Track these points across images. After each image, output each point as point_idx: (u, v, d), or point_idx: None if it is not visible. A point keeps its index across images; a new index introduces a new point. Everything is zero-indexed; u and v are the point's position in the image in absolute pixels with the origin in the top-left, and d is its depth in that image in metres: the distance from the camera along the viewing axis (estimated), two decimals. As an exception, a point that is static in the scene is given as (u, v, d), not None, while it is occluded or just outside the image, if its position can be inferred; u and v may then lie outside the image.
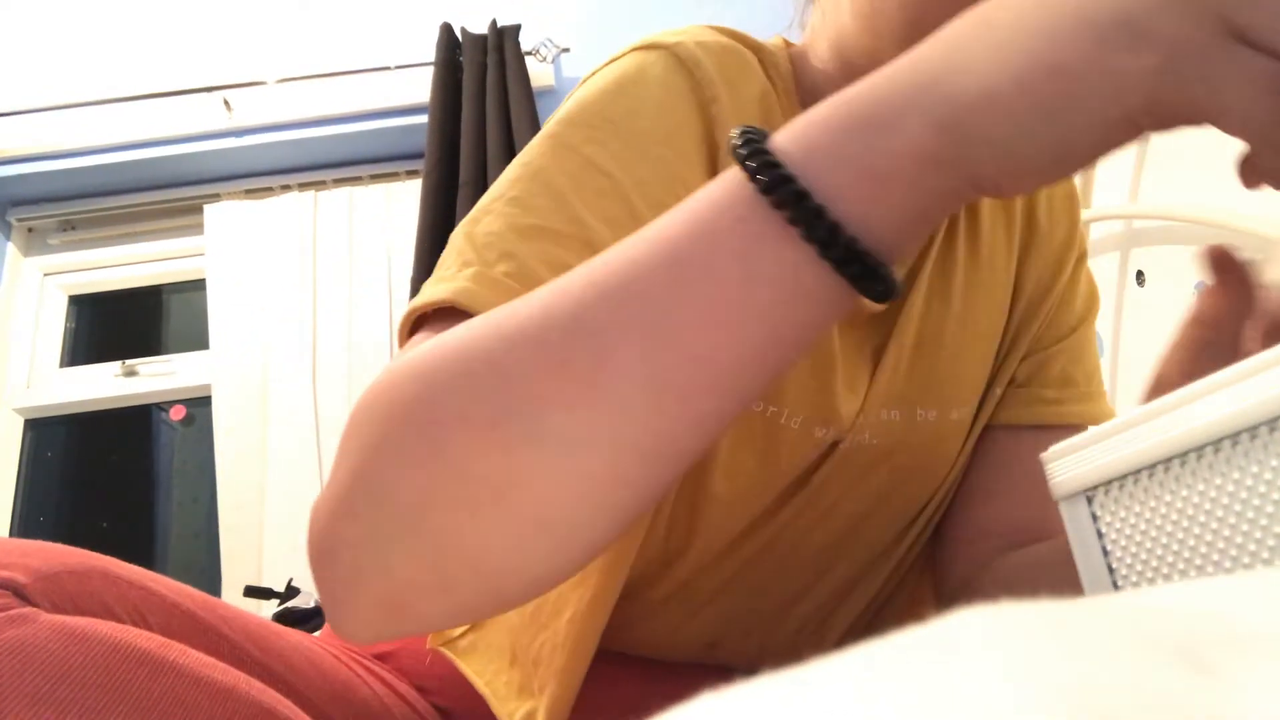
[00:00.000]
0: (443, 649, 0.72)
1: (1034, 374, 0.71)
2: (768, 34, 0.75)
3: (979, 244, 0.70)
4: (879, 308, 0.66)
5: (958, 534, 0.70)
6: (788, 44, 0.70)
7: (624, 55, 0.60)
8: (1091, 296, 0.76)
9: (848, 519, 0.67)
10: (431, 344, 0.40)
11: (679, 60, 0.59)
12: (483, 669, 0.69)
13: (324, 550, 0.41)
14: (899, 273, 0.39)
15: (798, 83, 0.67)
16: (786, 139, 0.37)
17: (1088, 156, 0.33)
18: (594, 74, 0.60)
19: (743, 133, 0.38)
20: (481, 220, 0.50)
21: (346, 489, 0.40)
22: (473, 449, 0.37)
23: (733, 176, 0.37)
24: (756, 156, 0.36)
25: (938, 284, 0.68)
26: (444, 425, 0.38)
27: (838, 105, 0.36)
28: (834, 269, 0.35)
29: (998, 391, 0.70)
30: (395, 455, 0.39)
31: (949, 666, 0.16)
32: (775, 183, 0.35)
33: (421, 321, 0.48)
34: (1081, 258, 0.75)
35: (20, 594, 0.45)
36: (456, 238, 0.51)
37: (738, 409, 0.39)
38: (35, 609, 0.45)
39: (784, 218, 0.34)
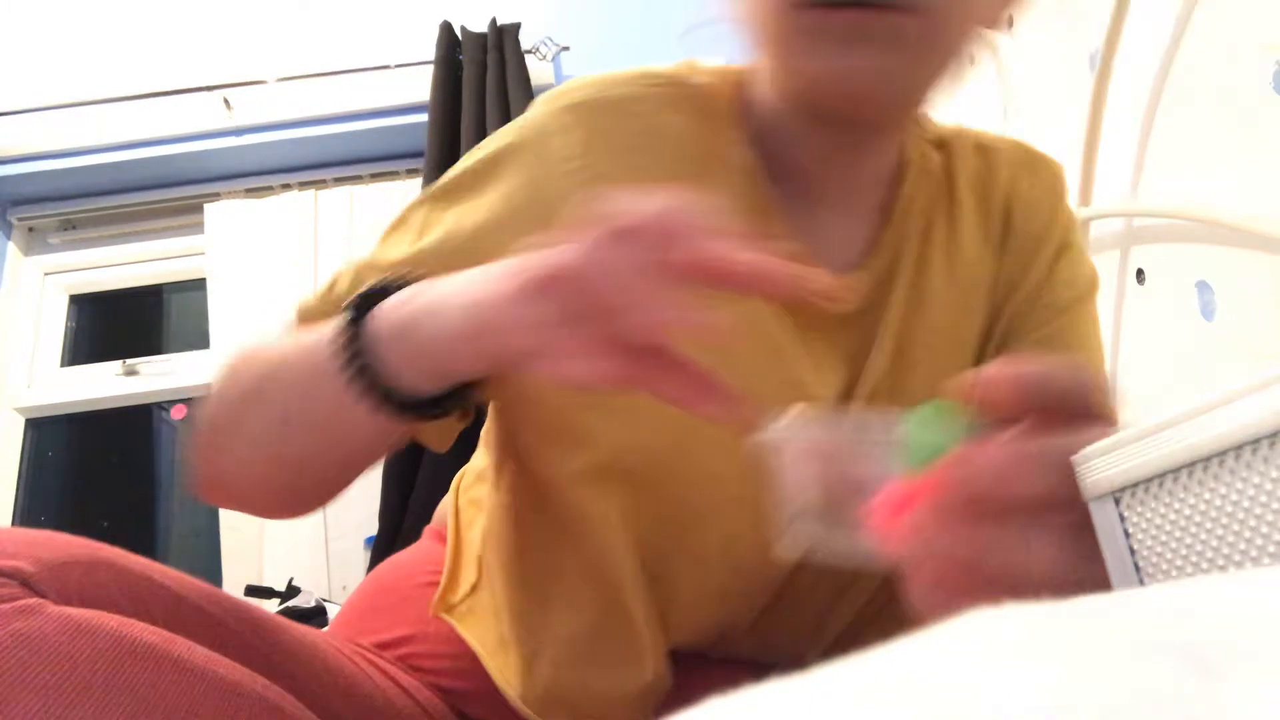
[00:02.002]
0: (444, 616, 0.76)
1: None
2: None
3: (958, 252, 0.69)
4: (846, 308, 0.66)
5: None
6: (736, 71, 0.70)
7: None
8: (1077, 286, 0.72)
9: None
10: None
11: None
12: (474, 628, 0.73)
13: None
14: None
15: (745, 109, 0.67)
16: (381, 317, 0.54)
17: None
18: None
19: (362, 295, 0.55)
20: None
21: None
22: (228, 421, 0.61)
23: (338, 322, 0.54)
24: (349, 325, 0.54)
25: (914, 295, 0.67)
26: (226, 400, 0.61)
27: (408, 300, 0.53)
28: (381, 408, 0.53)
29: None
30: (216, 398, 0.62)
31: (955, 670, 0.17)
32: (348, 354, 0.53)
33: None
34: (1063, 249, 0.72)
35: (27, 584, 0.45)
36: None
37: (352, 460, 0.61)
38: (42, 600, 0.45)
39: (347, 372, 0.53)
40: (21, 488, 2.24)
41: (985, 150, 0.73)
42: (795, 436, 0.37)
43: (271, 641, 0.61)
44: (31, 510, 2.24)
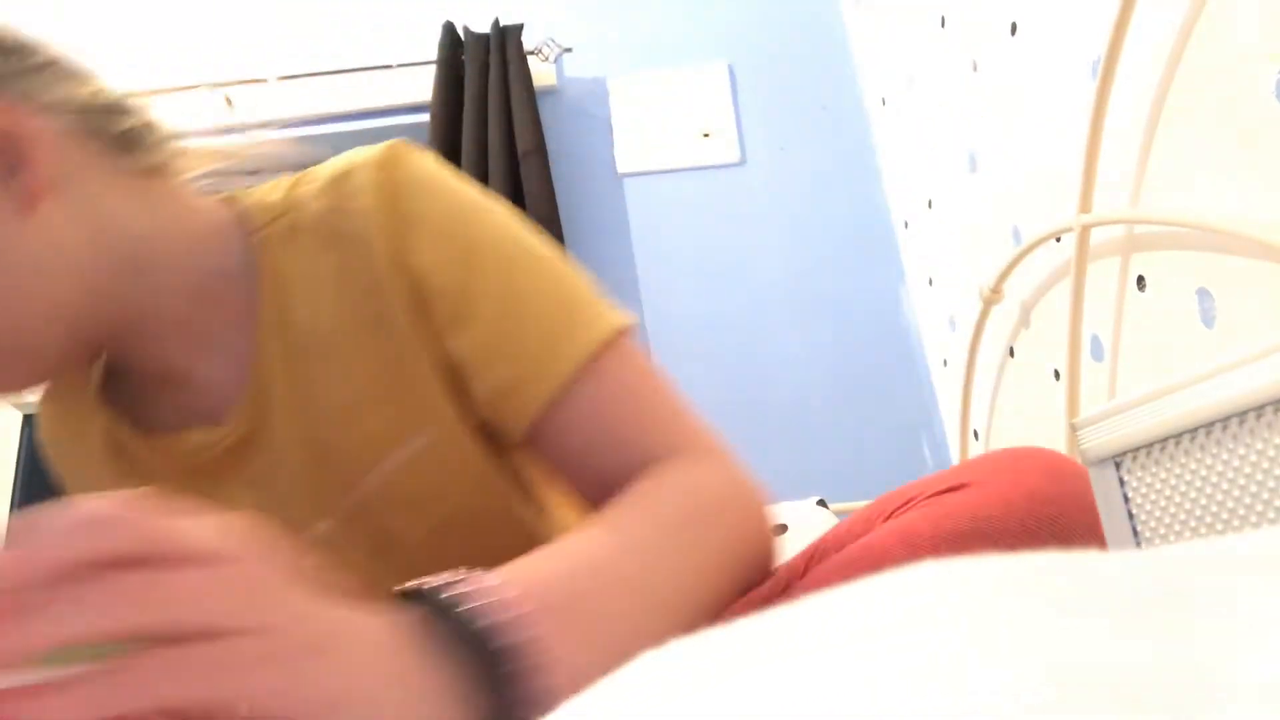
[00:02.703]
0: None
1: (486, 406, 0.66)
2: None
3: (314, 336, 0.65)
4: (216, 454, 0.66)
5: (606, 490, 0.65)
6: None
7: None
8: (452, 271, 0.64)
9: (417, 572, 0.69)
10: None
11: None
12: None
13: None
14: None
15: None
16: None
17: None
18: None
19: None
20: None
21: None
22: None
23: None
24: None
25: (299, 380, 0.65)
26: None
27: None
28: None
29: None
30: None
31: (926, 624, 0.16)
32: None
33: None
34: (400, 253, 0.64)
35: None
36: None
37: None
38: None
39: None
40: (18, 484, 2.24)
41: (326, 189, 0.67)
42: None
43: None
44: (27, 507, 2.23)
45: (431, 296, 0.64)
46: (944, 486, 0.67)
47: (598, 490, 0.63)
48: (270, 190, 0.70)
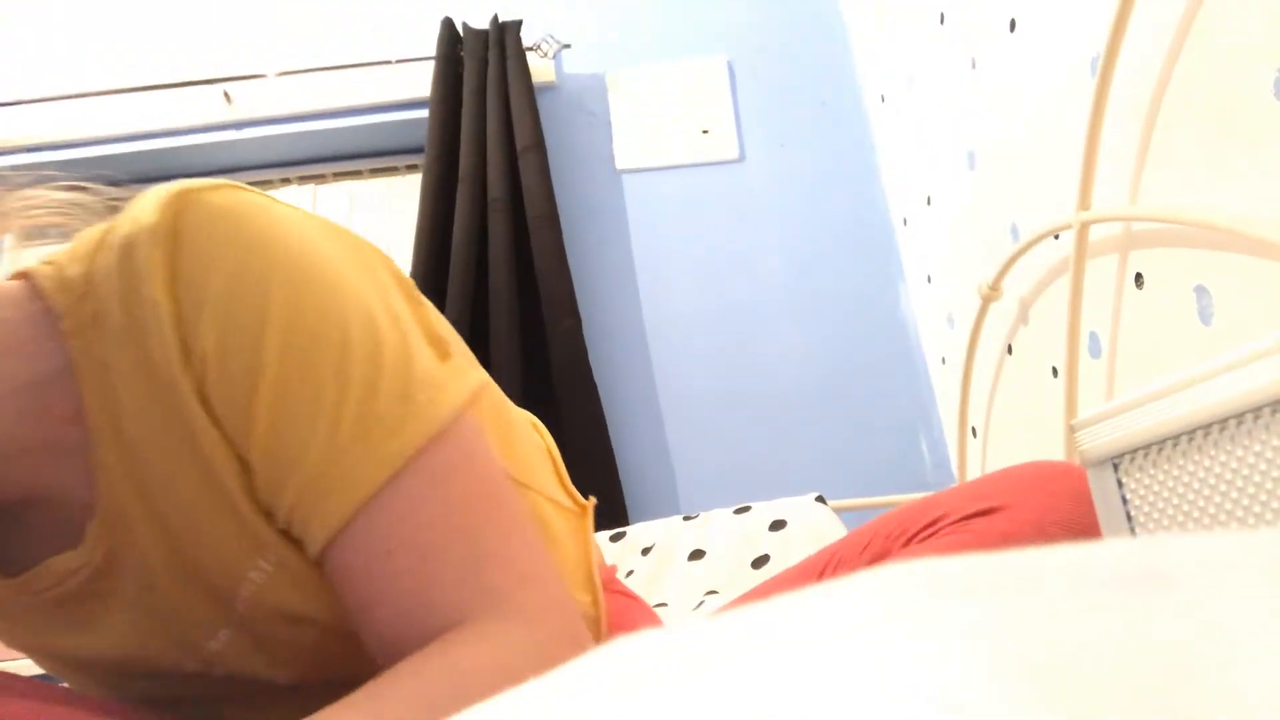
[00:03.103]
0: None
1: (284, 519, 0.55)
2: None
3: (144, 441, 0.56)
4: (76, 584, 0.59)
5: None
6: None
7: None
8: (231, 373, 0.53)
9: (317, 669, 0.63)
10: None
11: None
12: None
13: None
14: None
15: None
16: None
17: None
18: None
19: None
20: None
21: None
22: None
23: None
24: None
25: (138, 477, 0.56)
26: None
27: None
28: None
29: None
30: None
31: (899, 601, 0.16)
32: None
33: None
34: (189, 350, 0.54)
35: None
36: None
37: None
38: None
39: None
40: None
41: (119, 268, 0.55)
42: None
43: None
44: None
45: (214, 401, 0.54)
46: (973, 510, 0.64)
47: (383, 659, 0.53)
48: (71, 260, 0.57)
